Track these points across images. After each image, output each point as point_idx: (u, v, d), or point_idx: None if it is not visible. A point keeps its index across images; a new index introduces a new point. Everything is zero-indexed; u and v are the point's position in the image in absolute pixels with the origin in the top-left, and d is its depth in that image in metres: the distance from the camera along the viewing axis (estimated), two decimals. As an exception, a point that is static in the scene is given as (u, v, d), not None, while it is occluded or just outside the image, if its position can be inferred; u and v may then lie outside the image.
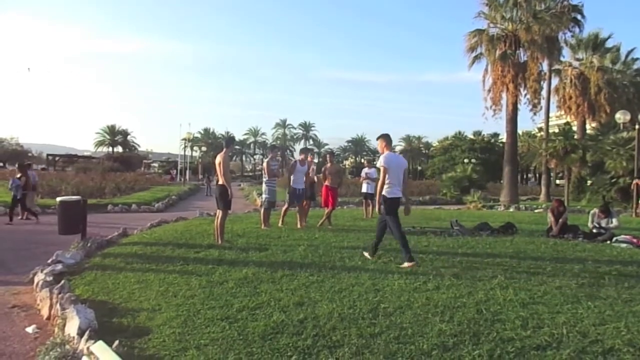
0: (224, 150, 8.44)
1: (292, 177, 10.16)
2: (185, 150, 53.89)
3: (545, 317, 4.16)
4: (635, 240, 8.94)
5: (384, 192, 6.61)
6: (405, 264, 6.23)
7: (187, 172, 51.10)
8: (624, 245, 8.73)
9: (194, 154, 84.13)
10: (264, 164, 10.70)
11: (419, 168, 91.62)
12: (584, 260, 6.98)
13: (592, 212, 10.50)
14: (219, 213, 8.20)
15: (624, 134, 25.72)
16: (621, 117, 22.98)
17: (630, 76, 33.86)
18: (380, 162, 6.72)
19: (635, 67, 34.70)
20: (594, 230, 9.80)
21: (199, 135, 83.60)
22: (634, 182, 19.55)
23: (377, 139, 7.06)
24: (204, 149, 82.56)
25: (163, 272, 6.00)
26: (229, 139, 9.37)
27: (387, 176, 6.58)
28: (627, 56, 34.29)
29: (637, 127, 21.60)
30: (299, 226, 10.12)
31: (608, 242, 9.08)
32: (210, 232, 8.88)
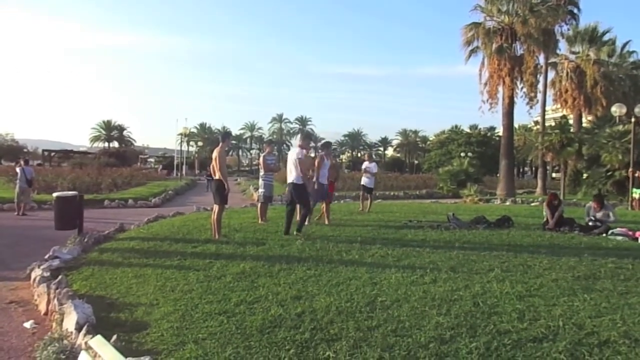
0: (220, 145, 8.42)
1: (320, 172, 9.74)
2: (181, 146, 53.66)
3: (541, 309, 4.19)
4: (630, 233, 8.99)
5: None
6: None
7: (184, 167, 50.97)
8: (619, 238, 8.78)
9: (191, 149, 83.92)
10: (260, 159, 10.71)
11: (416, 162, 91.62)
12: (580, 253, 7.01)
13: (587, 205, 10.54)
14: (216, 208, 8.19)
15: (620, 127, 25.76)
16: (617, 110, 23.00)
17: (626, 69, 33.93)
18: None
19: (631, 60, 34.75)
20: (590, 223, 9.84)
21: (195, 130, 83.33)
22: (630, 171, 19.64)
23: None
24: (200, 143, 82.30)
25: (160, 267, 6.00)
26: (225, 134, 9.35)
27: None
28: (622, 49, 34.35)
29: (633, 120, 21.65)
30: (327, 222, 10.10)
31: (604, 234, 9.12)
32: (207, 226, 8.88)
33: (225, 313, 4.16)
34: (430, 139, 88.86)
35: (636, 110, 21.60)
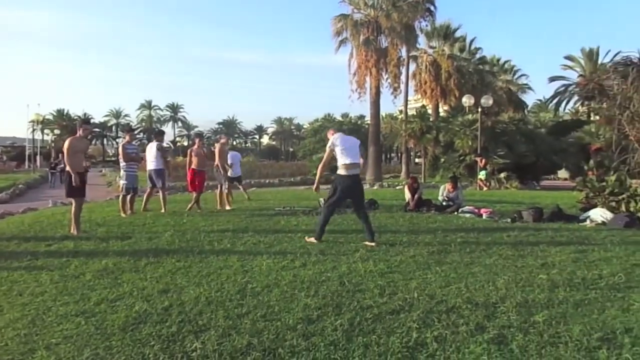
0: (78, 133, 7.79)
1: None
2: (34, 134, 48.37)
3: (399, 284, 4.53)
4: (477, 210, 10.09)
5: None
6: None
7: (38, 157, 46.08)
8: (467, 215, 9.81)
9: (46, 137, 76.04)
10: (119, 148, 10.11)
11: (291, 150, 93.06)
12: (434, 230, 7.72)
13: (442, 186, 11.62)
14: (73, 202, 7.58)
15: (470, 117, 28.61)
16: (467, 101, 25.64)
17: (474, 64, 37.69)
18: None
19: (478, 56, 38.69)
20: (444, 203, 10.86)
21: (51, 117, 75.53)
22: (474, 157, 22.15)
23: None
24: (57, 132, 74.78)
25: (6, 270, 5.36)
26: (82, 121, 8.65)
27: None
28: (470, 45, 38.07)
29: (479, 110, 24.26)
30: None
31: (455, 213, 10.14)
32: (65, 222, 8.16)
33: (83, 314, 3.86)
34: (305, 126, 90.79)
35: (482, 101, 24.27)
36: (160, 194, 10.10)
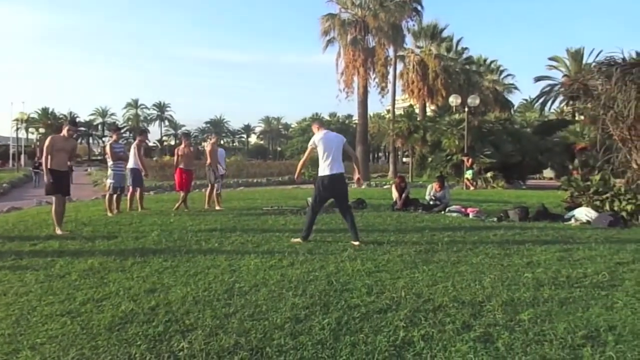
0: (62, 132, 7.74)
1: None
2: (17, 133, 47.68)
3: (387, 283, 4.55)
4: (464, 210, 10.16)
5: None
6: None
7: (23, 156, 45.49)
8: (454, 214, 9.87)
9: (31, 136, 75.11)
10: (107, 147, 10.06)
11: (279, 149, 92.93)
12: (422, 229, 7.76)
13: (429, 186, 11.69)
14: (53, 200, 7.57)
15: (456, 116, 28.82)
16: (454, 100, 25.83)
17: (460, 64, 37.99)
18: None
19: (465, 55, 38.99)
20: (431, 202, 10.92)
21: (36, 116, 74.57)
22: (461, 157, 22.35)
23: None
24: (42, 130, 73.82)
25: (-10, 270, 5.29)
26: (69, 122, 8.58)
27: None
28: (457, 45, 38.35)
29: (466, 109, 24.43)
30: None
31: (442, 212, 10.20)
32: (49, 222, 8.05)
33: (69, 313, 3.82)
34: (293, 126, 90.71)
35: (469, 101, 24.46)
36: (138, 192, 10.26)
